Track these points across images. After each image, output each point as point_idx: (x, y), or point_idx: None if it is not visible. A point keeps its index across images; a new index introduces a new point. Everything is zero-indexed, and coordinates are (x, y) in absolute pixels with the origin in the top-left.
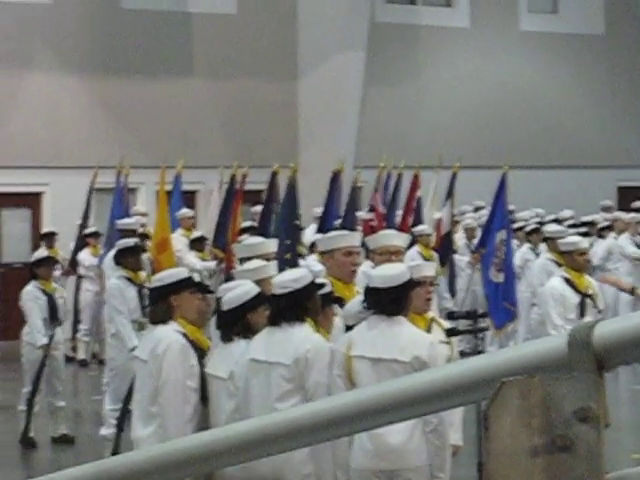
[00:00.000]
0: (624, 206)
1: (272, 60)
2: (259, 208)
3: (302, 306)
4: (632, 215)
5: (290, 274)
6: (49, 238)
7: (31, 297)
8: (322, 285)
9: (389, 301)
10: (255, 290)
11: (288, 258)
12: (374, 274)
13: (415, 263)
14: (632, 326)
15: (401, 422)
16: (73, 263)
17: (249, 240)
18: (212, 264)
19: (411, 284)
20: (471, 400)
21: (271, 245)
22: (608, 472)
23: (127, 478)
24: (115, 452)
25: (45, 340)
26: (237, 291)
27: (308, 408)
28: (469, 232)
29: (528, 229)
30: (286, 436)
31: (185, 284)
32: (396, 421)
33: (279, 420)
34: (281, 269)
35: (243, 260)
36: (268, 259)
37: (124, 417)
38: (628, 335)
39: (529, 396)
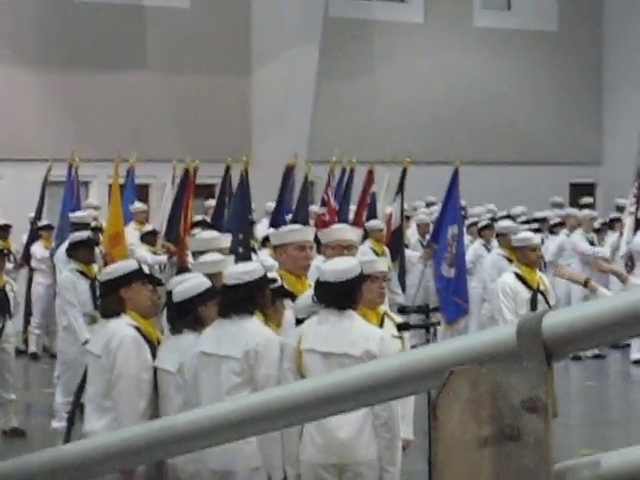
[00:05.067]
0: (575, 203)
1: (225, 54)
2: (212, 202)
3: (252, 299)
4: (586, 212)
5: (242, 267)
6: (2, 230)
7: None
8: (273, 279)
9: (340, 295)
10: (206, 283)
11: (240, 252)
12: (325, 268)
13: (368, 258)
14: (580, 316)
15: (351, 411)
16: (25, 256)
17: (203, 234)
18: (164, 258)
19: (362, 278)
20: (421, 389)
21: (225, 239)
22: (556, 463)
23: (77, 466)
24: None
25: None
26: (188, 284)
27: (257, 397)
28: (422, 228)
29: (480, 225)
30: (234, 425)
31: (135, 276)
32: (346, 410)
33: (227, 409)
34: (235, 263)
35: (196, 254)
36: (222, 253)
37: (75, 410)
38: (576, 325)
39: (478, 386)
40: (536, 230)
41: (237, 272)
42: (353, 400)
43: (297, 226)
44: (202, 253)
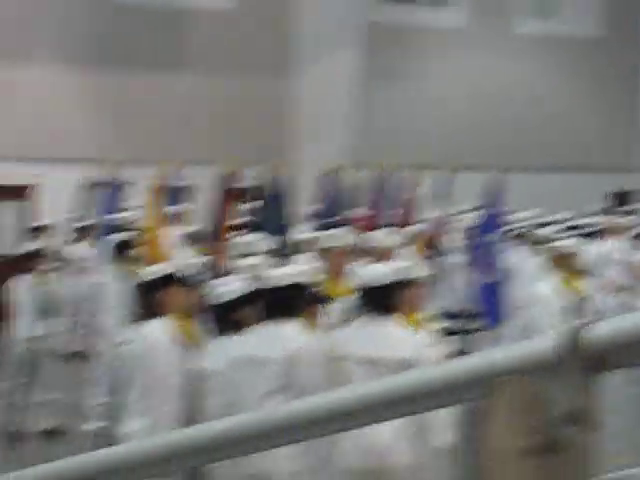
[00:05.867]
0: (616, 210)
1: (267, 56)
2: (252, 205)
3: (292, 303)
4: (627, 219)
5: (282, 271)
6: (44, 230)
7: (22, 290)
8: (313, 284)
9: (379, 300)
10: (245, 286)
11: (280, 256)
12: (364, 273)
13: (409, 263)
14: (625, 327)
15: (389, 421)
16: (65, 257)
17: (243, 237)
18: (203, 260)
19: (401, 284)
20: (461, 400)
21: (264, 243)
22: (595, 475)
23: (112, 472)
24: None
25: (35, 333)
26: (227, 287)
27: (297, 405)
28: (465, 233)
29: (522, 231)
30: (274, 433)
31: (173, 279)
32: (384, 420)
33: (267, 417)
34: (275, 267)
35: (236, 257)
36: (261, 256)
37: (112, 412)
38: (620, 337)
39: (519, 397)
40: (577, 237)
41: (277, 276)
42: (394, 410)
43: (338, 230)
44: (242, 256)
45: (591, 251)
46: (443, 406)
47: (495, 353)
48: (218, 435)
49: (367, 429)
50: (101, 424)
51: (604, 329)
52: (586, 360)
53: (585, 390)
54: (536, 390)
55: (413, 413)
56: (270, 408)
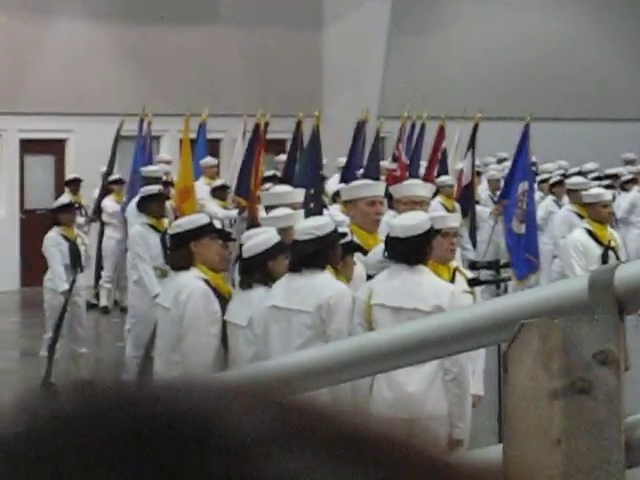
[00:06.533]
0: None
1: (297, 9)
2: (283, 157)
3: (323, 253)
4: None
5: (312, 221)
6: (74, 184)
7: (53, 243)
8: (344, 234)
9: (410, 250)
10: (276, 238)
11: (312, 207)
12: (395, 223)
13: (439, 214)
14: None
15: (422, 363)
16: (97, 210)
17: (276, 188)
18: (234, 212)
19: (432, 233)
20: (492, 342)
21: (298, 194)
22: (627, 416)
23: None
24: None
25: (67, 286)
26: (258, 239)
27: (328, 348)
28: (492, 184)
29: (552, 181)
30: (305, 376)
31: (205, 230)
32: (417, 362)
33: (298, 360)
34: (306, 218)
35: (269, 208)
36: (294, 208)
37: (146, 363)
38: None
39: (549, 338)
40: (608, 187)
41: (308, 227)
42: (424, 352)
43: (368, 181)
44: (274, 208)
45: (624, 199)
46: (474, 348)
47: (526, 295)
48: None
49: (399, 379)
50: (136, 376)
51: (635, 269)
52: (618, 300)
53: (615, 331)
54: (566, 332)
55: (444, 355)
56: (301, 352)
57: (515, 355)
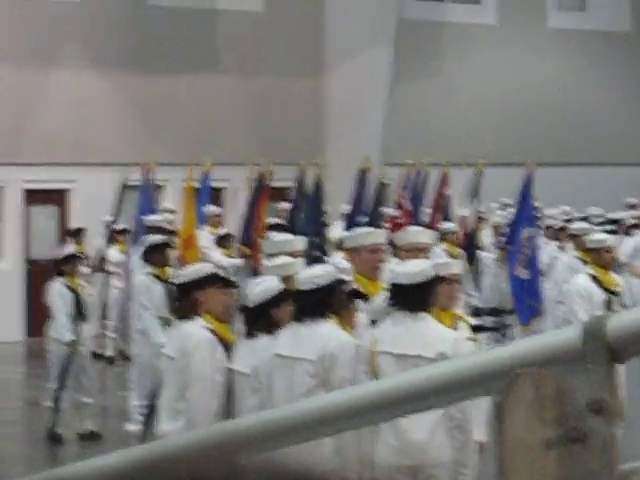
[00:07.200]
0: None
1: (298, 56)
2: (286, 205)
3: (326, 302)
4: None
5: (314, 270)
6: (78, 234)
7: (57, 293)
8: (347, 281)
9: (413, 297)
10: (279, 286)
11: (315, 255)
12: (398, 270)
13: (442, 260)
14: None
15: (417, 413)
16: (101, 260)
17: (277, 237)
18: (238, 261)
19: (435, 281)
20: (485, 392)
21: (299, 242)
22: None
23: (147, 468)
24: None
25: (71, 336)
26: (261, 287)
27: (330, 397)
28: (497, 229)
29: (555, 227)
30: (308, 425)
31: (210, 279)
32: (416, 411)
33: (301, 409)
34: (309, 266)
35: (270, 257)
36: (296, 256)
37: (151, 413)
38: None
39: (542, 388)
40: (611, 232)
41: (310, 276)
42: (412, 404)
43: (369, 229)
44: (275, 256)
45: (627, 244)
46: (468, 399)
47: (519, 344)
48: (252, 429)
49: (404, 426)
50: (141, 426)
51: (628, 318)
52: (611, 349)
53: (609, 380)
54: (559, 381)
55: (439, 406)
56: (304, 401)
57: (508, 405)
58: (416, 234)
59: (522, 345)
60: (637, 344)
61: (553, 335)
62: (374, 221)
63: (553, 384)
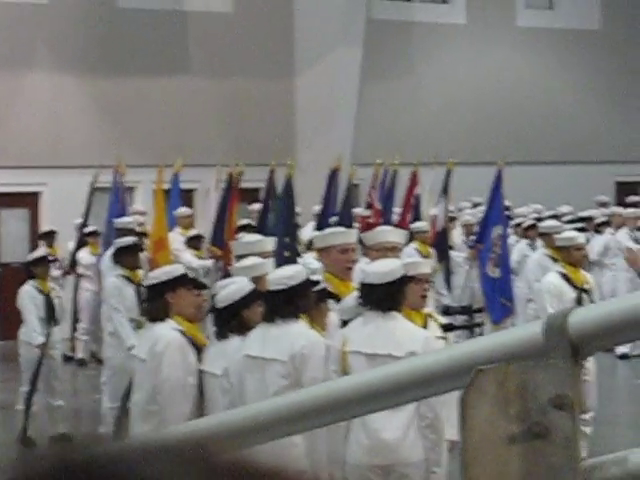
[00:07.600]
0: (621, 201)
1: (268, 57)
2: (257, 206)
3: (296, 302)
4: (631, 210)
5: (284, 271)
6: (49, 237)
7: (28, 296)
8: (317, 282)
9: (384, 297)
10: (249, 287)
11: (287, 256)
12: (368, 270)
13: (411, 260)
14: (607, 313)
15: (381, 410)
16: (72, 262)
17: (247, 238)
18: (209, 262)
19: (405, 280)
20: (450, 388)
21: (268, 243)
22: (585, 459)
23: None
24: None
25: (42, 339)
26: (231, 288)
27: (299, 395)
28: (467, 228)
29: (526, 225)
30: (278, 422)
31: (181, 281)
32: (378, 409)
33: (271, 407)
34: (280, 267)
35: (240, 258)
36: (266, 257)
37: (122, 415)
38: (603, 322)
39: (505, 384)
40: (581, 229)
41: (280, 277)
42: (378, 400)
43: (339, 229)
44: (245, 257)
45: (598, 242)
46: (432, 395)
47: (484, 340)
48: (223, 427)
49: (375, 425)
50: (113, 428)
51: (590, 314)
52: (573, 344)
53: (572, 375)
54: (522, 376)
55: (403, 402)
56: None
57: (472, 401)
58: (386, 233)
59: (486, 341)
60: (600, 339)
61: (517, 331)
62: (345, 221)
63: (516, 379)
